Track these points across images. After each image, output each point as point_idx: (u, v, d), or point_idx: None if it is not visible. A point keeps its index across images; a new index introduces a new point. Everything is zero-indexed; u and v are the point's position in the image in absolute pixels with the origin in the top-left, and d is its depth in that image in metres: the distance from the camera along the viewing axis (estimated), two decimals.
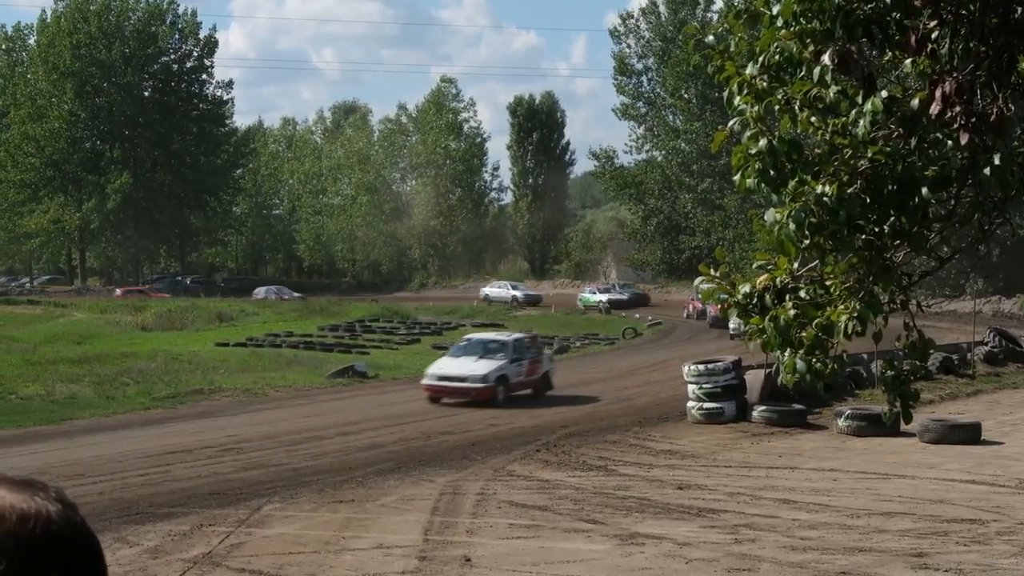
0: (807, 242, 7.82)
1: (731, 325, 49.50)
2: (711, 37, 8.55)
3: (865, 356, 37.49)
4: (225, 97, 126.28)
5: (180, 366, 48.89)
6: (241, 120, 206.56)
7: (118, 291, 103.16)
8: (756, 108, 7.84)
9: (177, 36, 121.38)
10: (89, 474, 25.29)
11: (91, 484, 24.01)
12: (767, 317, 8.14)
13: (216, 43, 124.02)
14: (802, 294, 8.27)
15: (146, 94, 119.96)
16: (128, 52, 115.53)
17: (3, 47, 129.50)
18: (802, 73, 7.92)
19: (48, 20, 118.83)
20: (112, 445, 29.85)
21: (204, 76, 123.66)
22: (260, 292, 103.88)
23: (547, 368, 41.63)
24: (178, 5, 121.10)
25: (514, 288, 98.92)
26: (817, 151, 7.90)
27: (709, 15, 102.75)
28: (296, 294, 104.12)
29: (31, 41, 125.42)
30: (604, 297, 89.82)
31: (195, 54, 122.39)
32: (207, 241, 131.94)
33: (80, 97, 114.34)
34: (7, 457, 28.21)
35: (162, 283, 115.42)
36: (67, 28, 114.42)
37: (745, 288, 8.31)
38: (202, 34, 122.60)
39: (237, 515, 20.96)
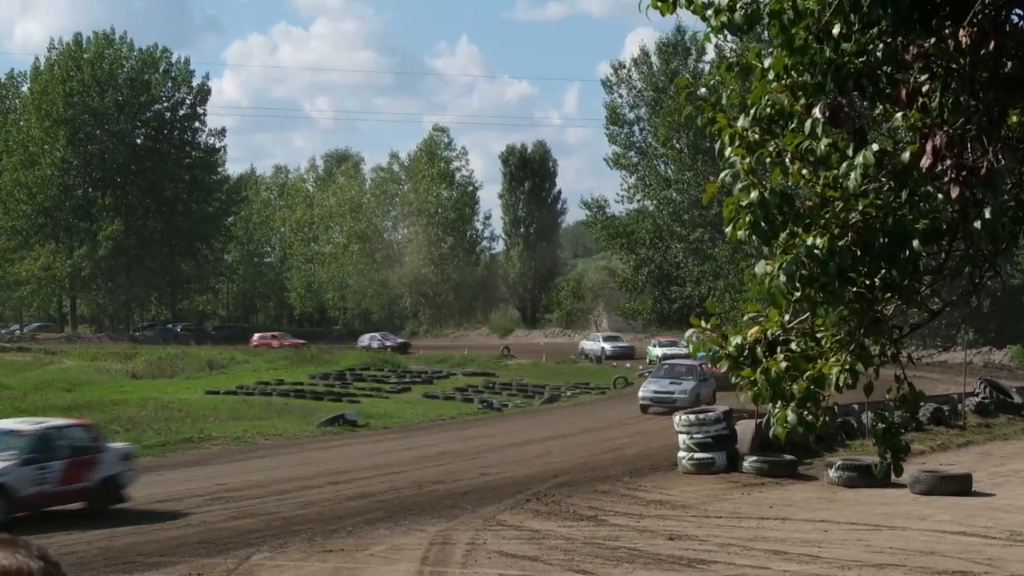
0: (798, 294, 7.83)
1: (641, 393, 51.09)
2: (703, 89, 8.60)
3: (856, 407, 37.49)
4: (218, 145, 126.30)
5: (170, 414, 48.73)
6: (233, 168, 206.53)
7: (255, 337, 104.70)
8: (747, 160, 7.87)
9: (170, 84, 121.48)
10: (77, 522, 25.18)
11: (79, 532, 23.91)
12: (759, 369, 8.15)
13: (209, 91, 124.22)
14: (793, 346, 8.28)
15: (138, 141, 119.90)
16: (121, 100, 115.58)
17: None
18: (793, 126, 7.96)
19: (41, 68, 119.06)
20: None
21: (197, 124, 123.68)
22: (365, 340, 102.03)
23: (109, 471, 27.79)
24: (171, 53, 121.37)
25: (607, 340, 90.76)
26: (808, 203, 7.92)
27: (701, 65, 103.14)
28: (398, 340, 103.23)
29: (24, 88, 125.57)
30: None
31: (188, 102, 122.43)
32: (198, 289, 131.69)
33: (72, 144, 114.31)
34: None
35: (152, 331, 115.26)
36: (60, 76, 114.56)
37: (736, 340, 8.31)
38: (195, 82, 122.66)
39: (226, 565, 20.89)
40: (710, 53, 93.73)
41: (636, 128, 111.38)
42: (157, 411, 49.43)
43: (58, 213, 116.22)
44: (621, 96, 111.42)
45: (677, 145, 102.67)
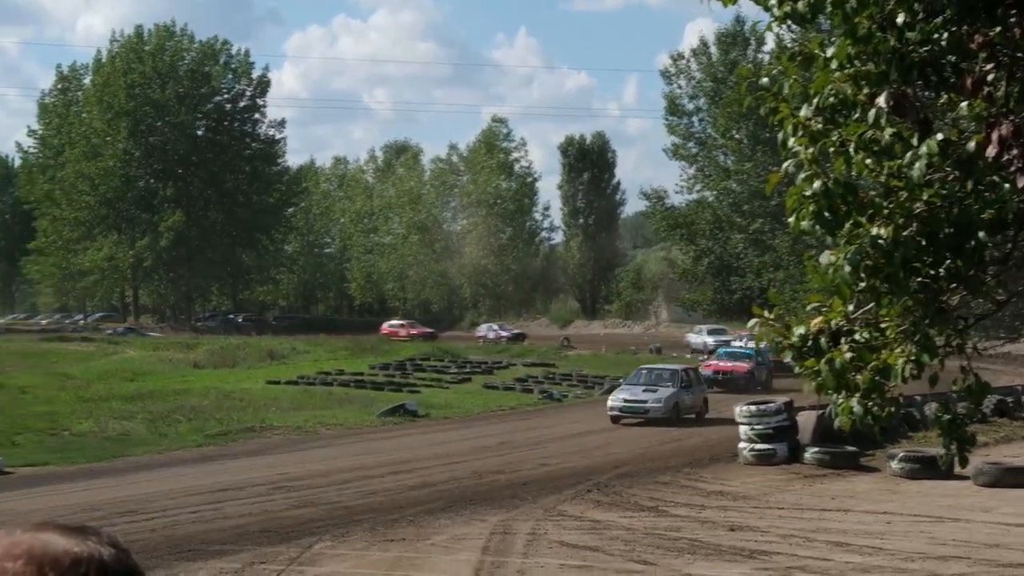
0: (862, 285, 7.80)
1: (610, 402, 44.96)
2: (765, 79, 8.56)
3: (918, 398, 37.20)
4: (277, 136, 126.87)
5: (232, 403, 49.03)
6: (293, 159, 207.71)
7: (385, 325, 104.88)
8: (811, 150, 7.84)
9: (230, 76, 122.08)
10: (141, 510, 25.40)
11: (143, 521, 24.11)
12: (822, 360, 8.12)
13: (269, 83, 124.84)
14: (857, 337, 8.23)
15: (199, 133, 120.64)
16: (182, 92, 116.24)
17: (59, 87, 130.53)
18: (857, 115, 7.91)
19: (103, 60, 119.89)
20: (164, 482, 29.99)
21: (257, 115, 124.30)
22: (482, 330, 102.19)
23: None
24: (231, 45, 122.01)
25: (711, 334, 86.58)
26: (872, 193, 7.88)
27: (760, 55, 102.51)
28: (512, 330, 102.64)
29: (86, 81, 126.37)
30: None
31: (248, 93, 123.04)
32: (259, 279, 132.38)
33: (134, 136, 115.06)
34: (60, 493, 28.40)
35: (214, 321, 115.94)
36: (122, 68, 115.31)
37: (800, 330, 8.28)
38: (255, 74, 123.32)
39: (288, 553, 20.99)
40: (769, 43, 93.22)
41: (695, 118, 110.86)
42: (219, 401, 49.77)
43: (120, 204, 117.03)
44: (680, 86, 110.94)
45: (737, 135, 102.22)
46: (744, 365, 57.78)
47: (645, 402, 43.65)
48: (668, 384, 45.13)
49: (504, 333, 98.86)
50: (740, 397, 41.75)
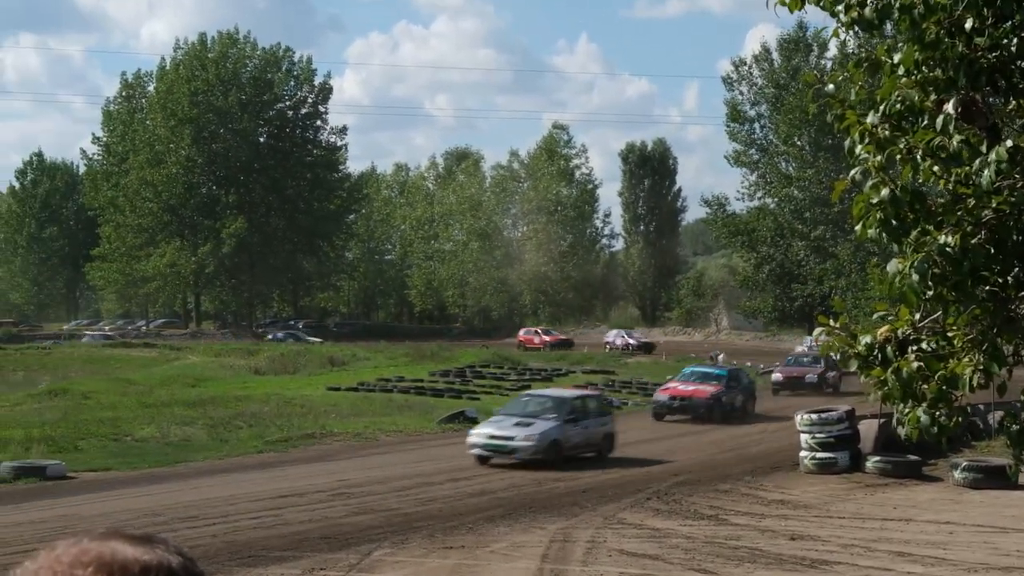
0: (930, 293, 7.72)
1: (470, 438, 35.95)
2: (831, 86, 8.49)
3: (982, 407, 36.84)
4: (339, 143, 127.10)
5: (292, 410, 49.23)
6: (354, 166, 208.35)
7: (521, 333, 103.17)
8: (878, 157, 7.77)
9: (292, 83, 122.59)
10: (202, 516, 25.53)
11: (204, 526, 24.23)
12: (889, 369, 8.03)
13: (331, 90, 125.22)
14: (924, 346, 8.15)
15: (261, 140, 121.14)
16: (244, 99, 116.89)
17: (123, 94, 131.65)
18: (924, 122, 7.84)
19: (167, 68, 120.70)
20: (225, 488, 30.11)
21: (318, 122, 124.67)
22: (611, 336, 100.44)
23: None
24: (294, 52, 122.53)
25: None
26: (940, 201, 7.80)
27: (823, 62, 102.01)
28: (642, 338, 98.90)
29: (150, 88, 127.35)
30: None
31: (310, 100, 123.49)
32: (320, 286, 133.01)
33: (197, 143, 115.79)
34: (123, 498, 28.59)
35: (275, 327, 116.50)
36: (185, 75, 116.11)
37: (866, 339, 8.20)
38: (317, 81, 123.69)
39: (348, 560, 21.04)
40: (832, 49, 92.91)
41: (757, 125, 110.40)
42: (279, 407, 49.98)
43: (183, 211, 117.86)
44: (742, 93, 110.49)
45: (799, 142, 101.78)
46: (708, 389, 49.13)
47: (511, 439, 34.82)
48: (550, 416, 36.34)
49: (632, 341, 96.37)
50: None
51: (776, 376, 61.31)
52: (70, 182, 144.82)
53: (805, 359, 63.51)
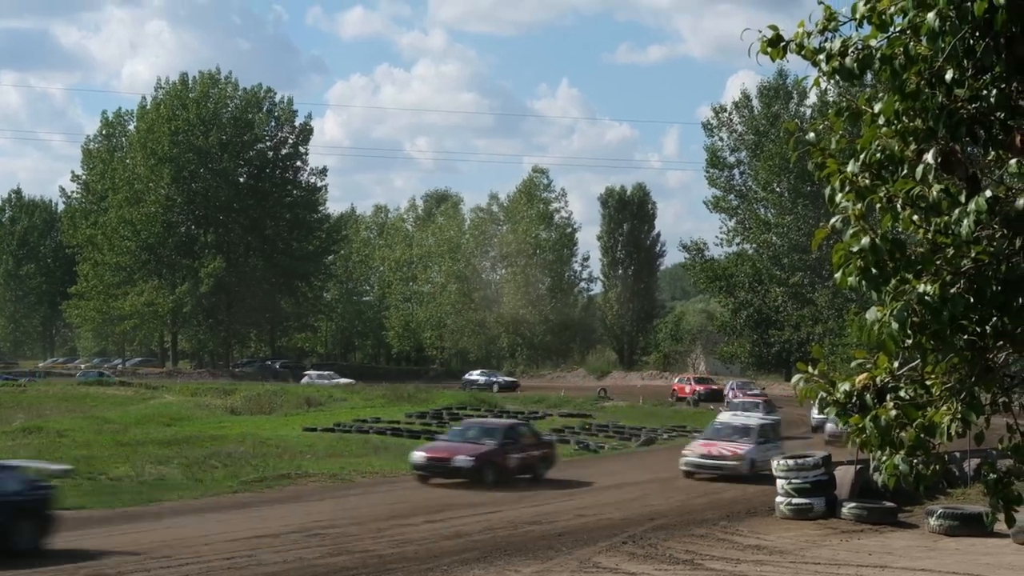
0: (909, 341, 7.76)
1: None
2: (812, 134, 8.56)
3: (958, 455, 36.93)
4: (319, 184, 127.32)
5: (268, 450, 49.07)
6: (334, 207, 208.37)
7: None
8: (858, 206, 7.83)
9: (273, 123, 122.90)
10: (176, 556, 25.39)
11: (177, 566, 24.12)
12: (867, 416, 8.07)
13: (311, 131, 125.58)
14: (902, 394, 8.19)
15: (241, 180, 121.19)
16: (224, 139, 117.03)
17: (104, 132, 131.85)
18: (904, 172, 7.91)
19: (148, 107, 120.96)
20: (199, 527, 29.97)
21: (299, 163, 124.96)
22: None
23: None
24: (275, 93, 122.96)
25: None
26: (919, 250, 7.85)
27: (803, 109, 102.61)
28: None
29: (131, 127, 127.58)
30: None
31: (290, 141, 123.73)
32: (297, 326, 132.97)
33: (177, 182, 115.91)
34: (96, 537, 28.40)
35: (251, 367, 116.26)
36: (166, 115, 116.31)
37: (845, 386, 8.24)
38: (298, 122, 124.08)
39: None
40: (812, 97, 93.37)
41: (736, 171, 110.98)
42: (255, 447, 49.80)
43: (161, 250, 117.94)
44: (721, 139, 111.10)
45: (777, 188, 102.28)
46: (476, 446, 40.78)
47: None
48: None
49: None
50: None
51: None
52: (48, 219, 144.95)
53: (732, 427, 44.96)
